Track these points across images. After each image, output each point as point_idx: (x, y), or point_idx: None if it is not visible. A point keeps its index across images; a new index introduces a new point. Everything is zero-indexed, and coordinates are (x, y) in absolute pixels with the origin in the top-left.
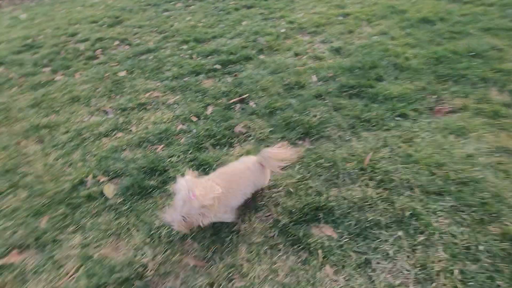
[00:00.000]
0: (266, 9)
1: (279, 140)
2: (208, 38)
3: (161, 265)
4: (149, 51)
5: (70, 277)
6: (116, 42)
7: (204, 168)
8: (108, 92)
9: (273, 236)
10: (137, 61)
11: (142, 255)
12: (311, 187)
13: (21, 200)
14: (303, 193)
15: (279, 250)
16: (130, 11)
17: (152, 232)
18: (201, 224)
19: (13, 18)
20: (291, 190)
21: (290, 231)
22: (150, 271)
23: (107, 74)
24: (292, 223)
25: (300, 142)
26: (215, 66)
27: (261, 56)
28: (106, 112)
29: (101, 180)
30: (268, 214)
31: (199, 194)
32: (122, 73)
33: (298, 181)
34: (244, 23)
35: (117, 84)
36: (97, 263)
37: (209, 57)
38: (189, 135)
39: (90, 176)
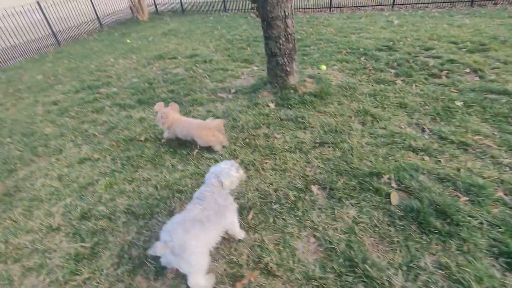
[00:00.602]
0: None
1: None
2: None
3: None
4: (503, 92)
5: (338, 232)
6: (467, 70)
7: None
8: (434, 114)
9: None
10: (482, 98)
11: (393, 275)
12: None
13: (334, 156)
14: None
15: None
16: (502, 42)
17: (412, 265)
18: (167, 134)
19: (388, 21)
20: None
21: None
22: None
23: (442, 97)
24: None
25: None
26: None
27: None
28: (423, 131)
29: (392, 185)
30: None
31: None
32: (458, 103)
33: None
34: None
35: (447, 110)
36: (357, 243)
37: None
38: (508, 209)
39: (387, 176)
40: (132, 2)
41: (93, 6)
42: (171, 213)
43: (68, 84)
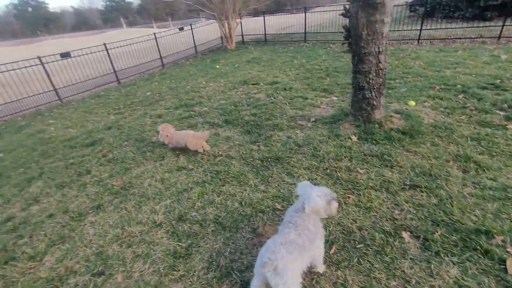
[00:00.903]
0: None
1: None
2: None
3: None
4: None
5: None
6: None
7: None
8: None
9: None
10: None
11: None
12: None
13: (429, 203)
14: None
15: None
16: None
17: None
18: (169, 145)
19: (493, 56)
20: None
21: None
22: None
23: None
24: None
25: None
26: None
27: None
28: None
29: (507, 249)
30: None
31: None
32: None
33: None
34: None
35: None
36: None
37: None
38: None
39: (500, 237)
40: (223, 33)
41: (193, 36)
42: (254, 231)
43: (169, 101)
